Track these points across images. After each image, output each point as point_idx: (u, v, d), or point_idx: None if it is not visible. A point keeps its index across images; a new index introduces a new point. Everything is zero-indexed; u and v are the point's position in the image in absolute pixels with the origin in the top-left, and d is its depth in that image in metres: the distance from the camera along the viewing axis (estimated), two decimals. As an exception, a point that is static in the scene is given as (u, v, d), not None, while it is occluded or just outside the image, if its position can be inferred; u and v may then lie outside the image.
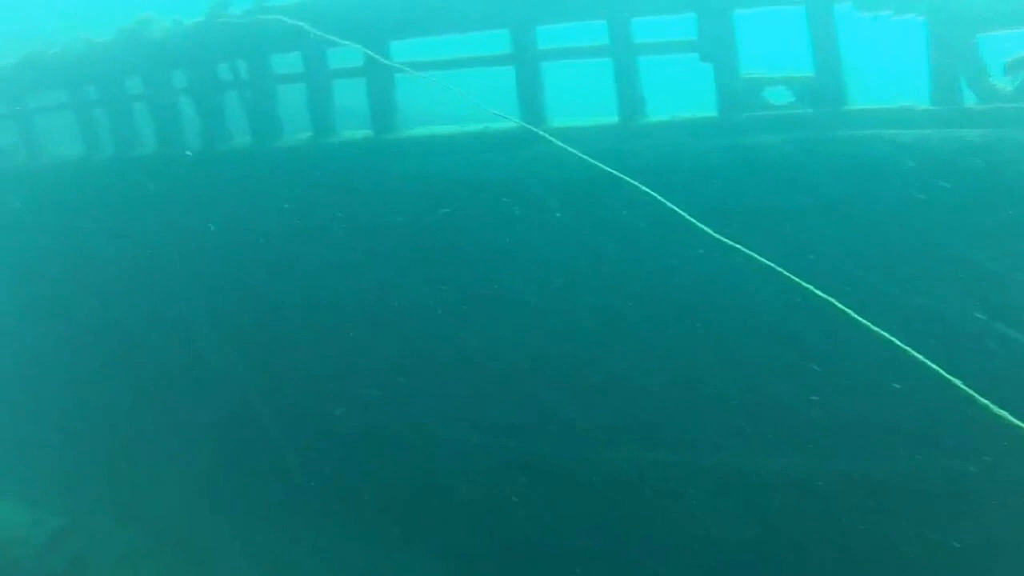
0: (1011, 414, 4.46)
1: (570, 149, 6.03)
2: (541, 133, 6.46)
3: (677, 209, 5.39)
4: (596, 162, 5.80)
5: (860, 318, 4.83)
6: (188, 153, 8.81)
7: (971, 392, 4.59)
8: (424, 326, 7.60)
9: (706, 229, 5.24)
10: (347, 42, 7.44)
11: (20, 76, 9.91)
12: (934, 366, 4.63)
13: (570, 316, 7.09)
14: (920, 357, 4.56)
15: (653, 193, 5.48)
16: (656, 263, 6.82)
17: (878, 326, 5.34)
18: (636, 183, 5.56)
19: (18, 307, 10.93)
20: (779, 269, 5.07)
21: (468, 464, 7.76)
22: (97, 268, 9.51)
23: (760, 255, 5.19)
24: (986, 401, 4.49)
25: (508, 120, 6.90)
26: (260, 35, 8.22)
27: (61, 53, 9.56)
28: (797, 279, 5.06)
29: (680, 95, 7.68)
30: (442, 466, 7.92)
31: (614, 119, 7.16)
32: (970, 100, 6.83)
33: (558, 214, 7.07)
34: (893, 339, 4.75)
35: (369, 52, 7.47)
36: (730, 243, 5.23)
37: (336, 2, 7.77)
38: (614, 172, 5.68)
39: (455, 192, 7.35)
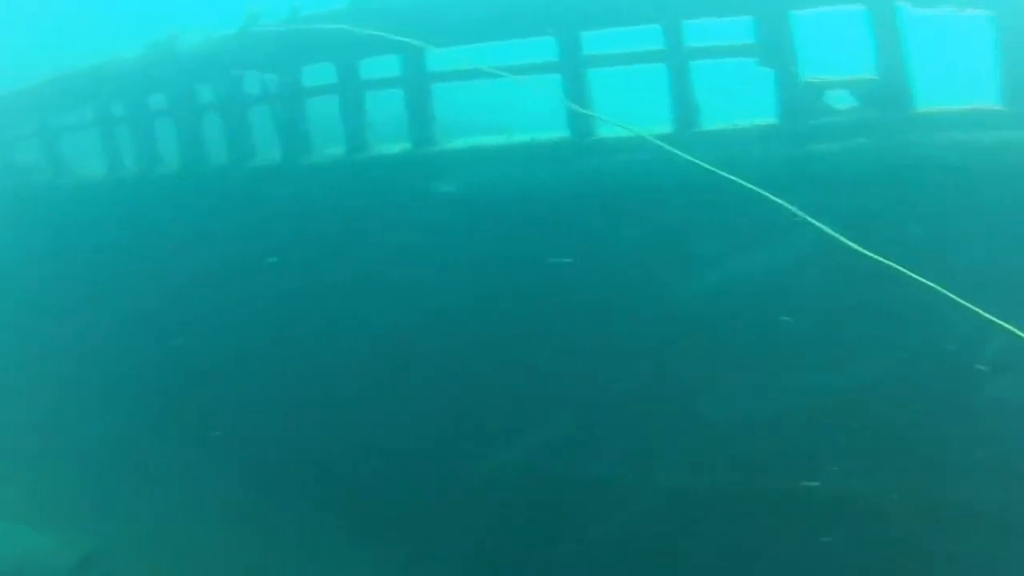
0: None
1: (690, 158, 5.71)
2: (662, 144, 6.12)
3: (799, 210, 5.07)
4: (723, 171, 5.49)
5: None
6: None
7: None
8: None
9: (839, 237, 4.94)
10: (416, 41, 7.17)
11: (52, 93, 9.73)
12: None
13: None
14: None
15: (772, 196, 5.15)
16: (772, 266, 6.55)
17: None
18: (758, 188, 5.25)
19: (52, 328, 10.71)
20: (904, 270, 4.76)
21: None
22: (132, 288, 9.27)
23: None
24: None
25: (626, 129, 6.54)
26: (302, 44, 7.98)
27: (92, 70, 9.37)
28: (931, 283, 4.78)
29: (737, 101, 7.36)
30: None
31: (668, 127, 6.86)
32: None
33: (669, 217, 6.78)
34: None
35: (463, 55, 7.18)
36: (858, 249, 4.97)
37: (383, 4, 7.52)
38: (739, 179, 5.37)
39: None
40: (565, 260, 6.69)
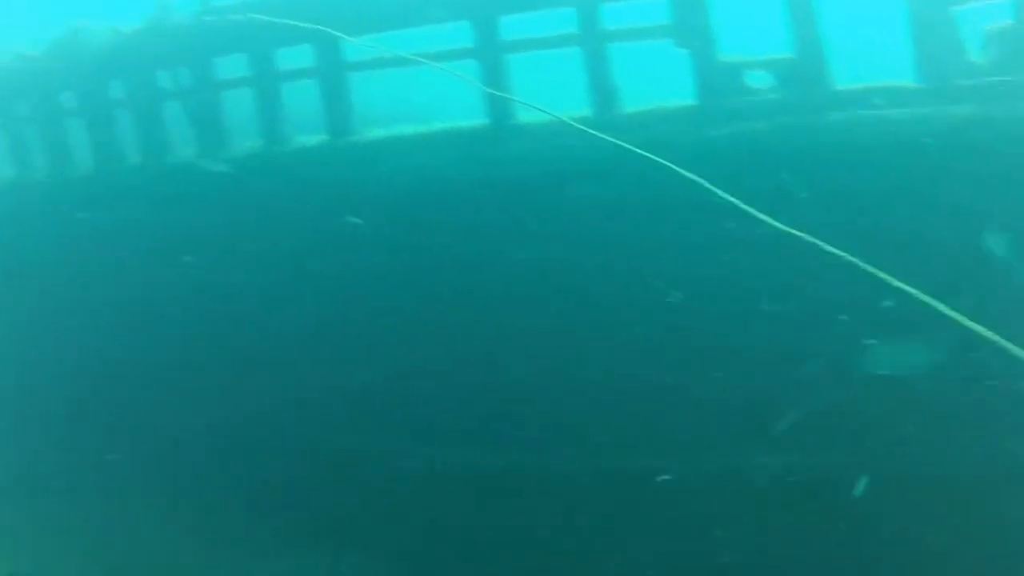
0: None
1: (614, 140, 5.60)
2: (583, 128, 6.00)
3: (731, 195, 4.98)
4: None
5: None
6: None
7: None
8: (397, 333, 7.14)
9: (758, 214, 4.89)
10: (330, 30, 6.98)
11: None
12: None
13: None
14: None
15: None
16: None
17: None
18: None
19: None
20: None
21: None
22: (30, 296, 8.91)
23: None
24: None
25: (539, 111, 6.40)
26: (217, 36, 7.73)
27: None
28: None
29: (655, 83, 7.31)
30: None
31: (588, 111, 6.77)
32: (953, 75, 6.62)
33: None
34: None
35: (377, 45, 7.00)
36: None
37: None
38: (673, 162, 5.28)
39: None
40: (489, 247, 6.57)
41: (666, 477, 6.53)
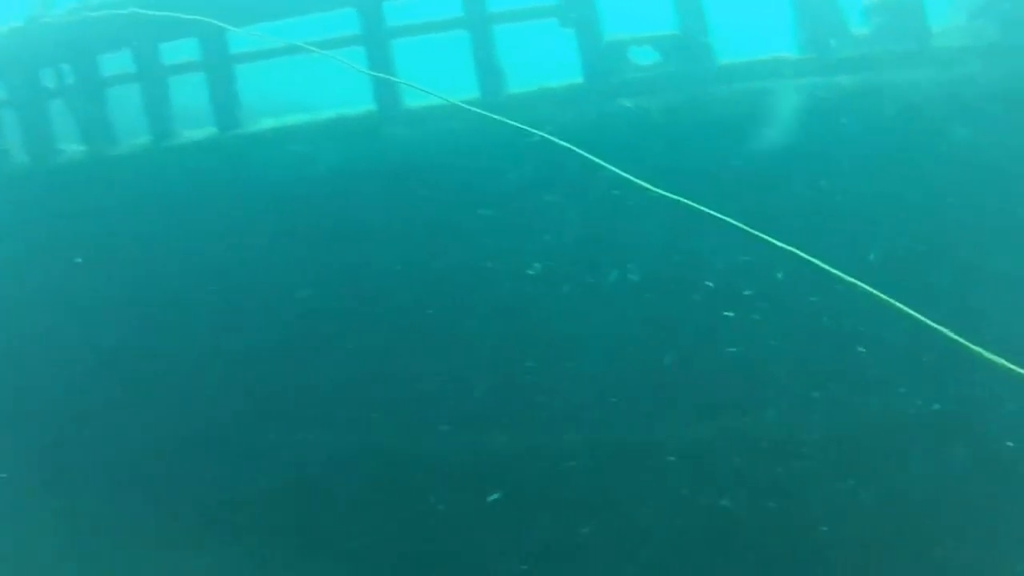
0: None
1: (508, 120, 5.52)
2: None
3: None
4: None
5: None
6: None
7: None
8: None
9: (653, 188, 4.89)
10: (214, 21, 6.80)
11: None
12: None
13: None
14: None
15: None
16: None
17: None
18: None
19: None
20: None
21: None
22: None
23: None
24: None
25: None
26: (99, 31, 7.49)
27: None
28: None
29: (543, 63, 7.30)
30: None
31: (476, 93, 6.72)
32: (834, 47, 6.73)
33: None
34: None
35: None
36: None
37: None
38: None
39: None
40: (379, 233, 6.48)
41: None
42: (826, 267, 4.93)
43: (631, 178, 6.05)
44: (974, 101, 6.41)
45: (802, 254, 4.75)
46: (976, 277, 6.27)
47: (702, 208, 5.24)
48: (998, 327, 4.90)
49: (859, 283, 4.53)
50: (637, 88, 6.58)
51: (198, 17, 6.99)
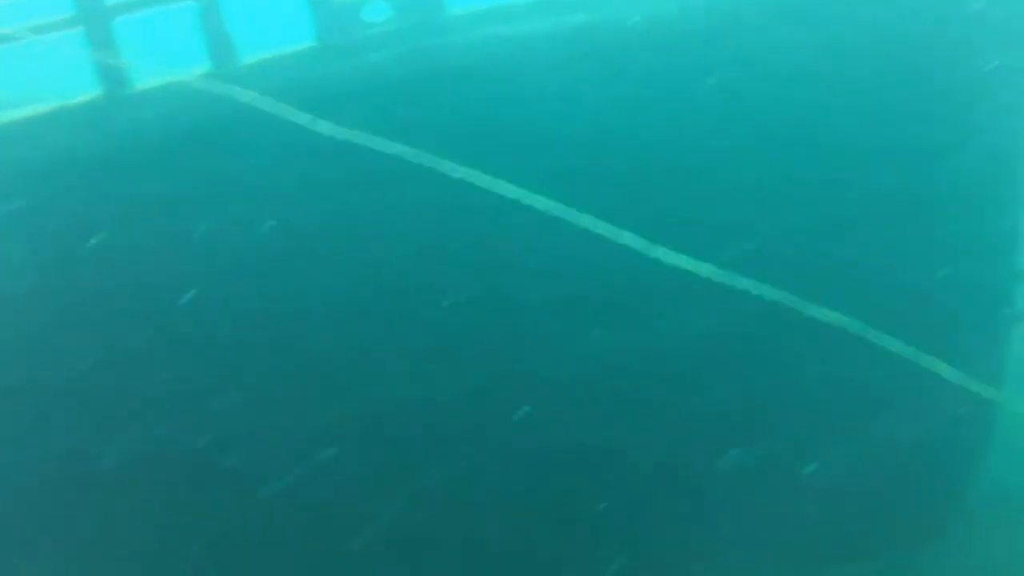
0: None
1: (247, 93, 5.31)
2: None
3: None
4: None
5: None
6: None
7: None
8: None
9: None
10: None
11: None
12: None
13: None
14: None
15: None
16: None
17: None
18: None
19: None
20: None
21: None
22: None
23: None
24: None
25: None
26: None
27: None
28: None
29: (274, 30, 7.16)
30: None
31: (208, 67, 6.52)
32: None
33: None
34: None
35: None
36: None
37: None
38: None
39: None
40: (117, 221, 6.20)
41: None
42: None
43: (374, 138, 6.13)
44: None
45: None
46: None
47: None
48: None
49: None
50: (371, 44, 6.57)
51: None
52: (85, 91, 6.62)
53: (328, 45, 6.59)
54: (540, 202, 6.16)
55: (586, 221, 6.07)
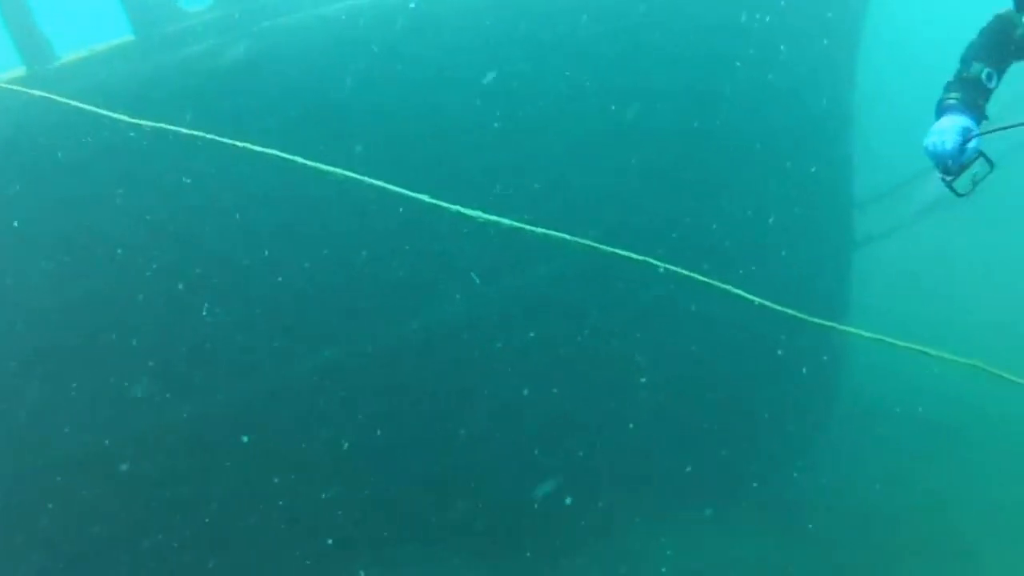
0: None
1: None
2: None
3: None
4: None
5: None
6: None
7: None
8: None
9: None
10: None
11: None
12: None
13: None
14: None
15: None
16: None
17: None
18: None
19: None
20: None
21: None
22: None
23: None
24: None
25: None
26: None
27: None
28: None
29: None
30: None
31: (20, 71, 6.40)
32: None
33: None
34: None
35: None
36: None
37: None
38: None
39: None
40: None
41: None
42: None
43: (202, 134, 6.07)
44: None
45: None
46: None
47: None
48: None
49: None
50: (189, 36, 6.52)
51: None
52: None
53: (145, 40, 6.51)
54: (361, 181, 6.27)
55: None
